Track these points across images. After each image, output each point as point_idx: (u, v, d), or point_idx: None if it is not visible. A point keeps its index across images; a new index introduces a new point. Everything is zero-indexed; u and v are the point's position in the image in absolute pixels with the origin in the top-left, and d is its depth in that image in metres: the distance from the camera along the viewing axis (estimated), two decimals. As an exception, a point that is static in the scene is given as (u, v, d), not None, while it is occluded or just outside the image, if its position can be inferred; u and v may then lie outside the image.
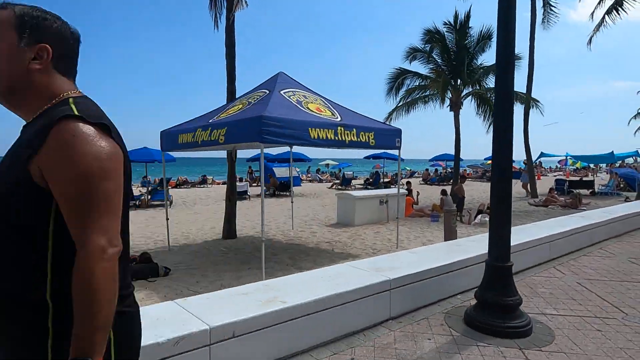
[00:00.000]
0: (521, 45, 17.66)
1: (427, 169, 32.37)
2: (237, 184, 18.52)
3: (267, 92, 7.09)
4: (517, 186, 21.91)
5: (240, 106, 6.97)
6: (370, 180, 23.27)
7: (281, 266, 6.78)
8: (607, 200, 17.66)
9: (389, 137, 7.50)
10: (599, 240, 7.38)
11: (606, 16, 16.66)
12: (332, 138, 6.53)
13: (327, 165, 37.47)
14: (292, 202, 10.39)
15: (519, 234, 5.97)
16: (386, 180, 24.42)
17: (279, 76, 7.83)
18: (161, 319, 2.69)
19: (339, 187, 23.06)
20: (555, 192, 19.51)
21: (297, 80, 8.03)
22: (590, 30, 17.59)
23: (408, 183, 15.26)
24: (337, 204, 11.66)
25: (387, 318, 3.80)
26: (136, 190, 18.33)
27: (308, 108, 6.95)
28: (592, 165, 44.39)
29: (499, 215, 3.79)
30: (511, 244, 3.79)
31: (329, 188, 23.79)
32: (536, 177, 34.20)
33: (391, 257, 4.83)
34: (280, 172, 24.29)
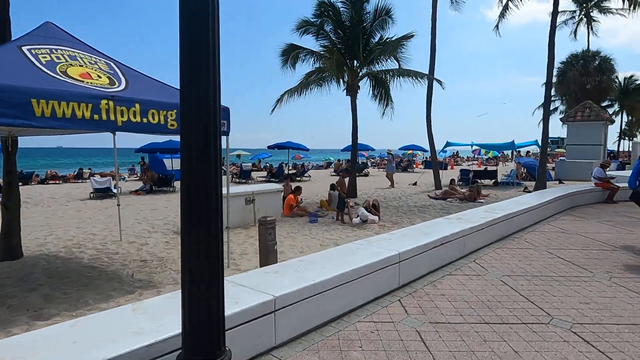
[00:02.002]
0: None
1: (339, 160, 30.96)
2: (98, 179, 15.54)
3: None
4: (424, 177, 21.11)
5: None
6: (273, 172, 21.09)
7: (18, 312, 4.41)
8: (507, 190, 17.22)
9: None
10: (473, 250, 5.91)
11: (505, 11, 18.64)
12: (88, 117, 4.27)
13: (238, 155, 34.76)
14: (118, 204, 7.96)
15: (354, 255, 4.18)
16: (291, 171, 22.43)
17: (41, 28, 5.37)
18: None
19: (237, 180, 20.74)
20: (460, 183, 18.91)
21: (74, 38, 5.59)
22: (496, 25, 19.47)
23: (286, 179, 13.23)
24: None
25: None
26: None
27: (64, 73, 4.61)
28: (507, 153, 46.28)
29: (191, 255, 1.81)
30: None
31: (230, 182, 21.35)
32: (449, 167, 34.89)
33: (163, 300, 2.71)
34: (174, 164, 21.42)
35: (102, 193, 14.51)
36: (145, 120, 4.73)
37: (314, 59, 14.45)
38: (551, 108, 36.52)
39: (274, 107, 14.32)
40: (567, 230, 7.52)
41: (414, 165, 34.63)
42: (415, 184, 19.78)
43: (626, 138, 52.54)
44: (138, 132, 4.74)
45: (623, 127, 45.40)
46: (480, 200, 13.27)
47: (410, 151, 38.61)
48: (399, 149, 35.53)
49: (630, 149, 46.56)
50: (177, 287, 5.07)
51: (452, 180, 15.89)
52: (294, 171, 22.77)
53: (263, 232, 4.54)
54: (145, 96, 4.84)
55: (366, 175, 26.13)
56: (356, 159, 14.92)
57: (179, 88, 1.80)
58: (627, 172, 17.15)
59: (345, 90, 14.56)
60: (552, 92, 35.04)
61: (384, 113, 14.61)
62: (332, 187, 11.87)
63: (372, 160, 43.68)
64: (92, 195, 14.56)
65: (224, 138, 5.96)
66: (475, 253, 5.81)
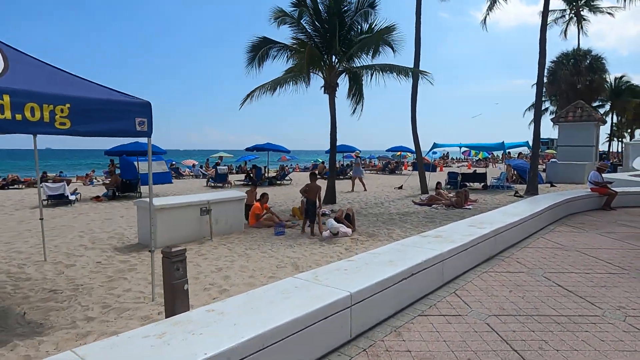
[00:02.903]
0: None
1: (322, 162, 29.80)
2: (50, 184, 14.22)
3: None
4: (411, 179, 20.08)
5: None
6: (251, 175, 19.87)
7: None
8: (497, 194, 16.26)
9: (112, 115, 4.23)
10: (453, 277, 4.82)
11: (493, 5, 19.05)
12: None
13: (220, 158, 33.45)
14: (41, 218, 6.75)
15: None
16: (271, 175, 21.23)
17: None
18: None
19: (213, 184, 19.52)
20: (448, 186, 17.92)
21: None
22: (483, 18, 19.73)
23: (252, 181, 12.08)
24: (137, 217, 8.21)
25: None
26: None
27: None
28: (498, 155, 45.42)
29: None
30: None
31: (205, 186, 20.13)
32: (438, 169, 33.93)
33: None
34: (146, 167, 20.10)
35: (57, 200, 13.20)
36: (19, 117, 3.58)
37: (287, 55, 13.33)
38: (541, 108, 35.91)
39: (243, 102, 13.20)
40: (564, 246, 6.50)
41: (403, 167, 33.65)
42: (400, 187, 18.75)
43: (615, 139, 52.26)
44: (6, 132, 3.57)
45: (613, 128, 44.93)
46: (467, 207, 12.26)
47: (399, 152, 37.67)
48: (387, 151, 34.51)
49: (621, 150, 46.15)
50: (70, 334, 3.93)
51: (439, 184, 14.89)
52: (274, 174, 21.59)
53: (168, 268, 3.38)
54: (23, 85, 3.69)
55: (350, 178, 24.99)
56: (335, 162, 13.81)
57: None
58: (623, 176, 16.29)
59: (322, 88, 13.48)
60: (543, 92, 34.42)
61: (354, 110, 13.57)
62: (304, 190, 10.76)
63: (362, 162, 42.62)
64: (45, 202, 13.26)
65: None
66: (456, 281, 4.73)
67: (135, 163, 19.35)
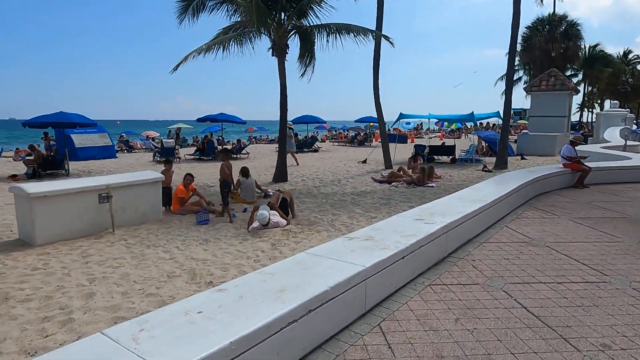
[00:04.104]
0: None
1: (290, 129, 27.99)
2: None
3: None
4: (377, 152, 18.82)
5: None
6: (202, 147, 17.97)
7: None
8: (465, 169, 15.23)
9: None
10: (382, 299, 3.56)
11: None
12: None
13: (179, 129, 31.25)
14: None
15: None
16: (226, 147, 19.45)
17: None
18: None
19: (159, 159, 17.72)
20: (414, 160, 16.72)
21: None
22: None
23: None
24: (15, 207, 6.60)
25: None
26: None
27: None
28: (469, 125, 44.56)
29: None
30: None
31: (151, 161, 18.31)
32: (409, 141, 32.80)
33: None
34: (83, 140, 18.14)
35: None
36: None
37: (226, 9, 11.50)
38: (514, 78, 34.94)
39: (177, 66, 11.40)
40: (531, 239, 5.35)
41: (374, 139, 32.34)
42: (364, 161, 17.47)
43: (586, 109, 52.37)
44: None
45: (584, 98, 44.71)
46: (430, 185, 11.11)
47: (371, 123, 36.21)
48: (355, 121, 33.04)
49: (591, 121, 46.25)
50: None
51: (410, 159, 13.50)
52: (230, 147, 19.89)
53: None
54: None
55: (315, 151, 23.58)
56: (285, 134, 12.31)
57: None
58: (595, 148, 15.46)
59: (270, 50, 11.79)
60: (517, 61, 33.33)
61: (304, 72, 12.08)
62: (244, 172, 9.31)
63: (335, 133, 41.08)
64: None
65: None
66: (385, 306, 3.45)
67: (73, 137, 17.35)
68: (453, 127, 46.59)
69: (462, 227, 4.96)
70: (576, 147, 9.94)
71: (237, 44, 11.85)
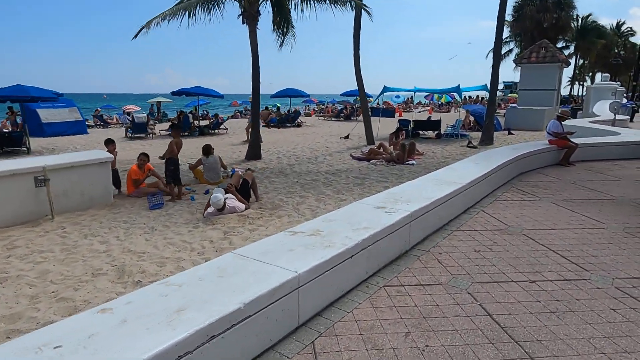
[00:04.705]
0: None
1: (266, 107, 26.89)
2: None
3: None
4: (360, 127, 18.13)
5: None
6: (176, 122, 17.08)
7: None
8: (449, 144, 14.69)
9: None
10: (318, 310, 3.02)
11: None
12: None
13: (158, 103, 30.04)
14: None
15: None
16: (204, 122, 18.52)
17: None
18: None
19: (131, 135, 16.85)
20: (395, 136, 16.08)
21: None
22: None
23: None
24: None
25: None
26: None
27: None
28: (458, 99, 43.69)
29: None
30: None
31: (123, 137, 17.42)
32: (397, 115, 32.05)
33: None
34: (50, 115, 17.14)
35: None
36: None
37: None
38: (505, 50, 33.99)
39: (138, 33, 10.49)
40: (508, 226, 4.84)
41: (358, 113, 31.50)
42: (347, 137, 16.82)
43: (577, 82, 51.79)
44: None
45: (575, 70, 44.03)
46: (410, 162, 10.55)
47: (359, 97, 35.17)
48: (341, 95, 32.08)
49: (583, 94, 45.71)
50: None
51: (395, 135, 12.83)
52: (207, 122, 18.99)
53: None
54: None
55: (299, 126, 22.79)
56: (258, 109, 11.56)
57: None
58: (583, 122, 14.95)
59: (241, 17, 10.89)
60: (508, 32, 32.36)
61: (282, 43, 11.25)
62: (206, 150, 8.65)
63: (322, 107, 40.05)
64: None
65: None
66: (325, 316, 2.92)
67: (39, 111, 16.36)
68: (443, 100, 45.82)
69: (430, 215, 4.42)
70: (563, 122, 9.41)
71: (204, 10, 10.92)
